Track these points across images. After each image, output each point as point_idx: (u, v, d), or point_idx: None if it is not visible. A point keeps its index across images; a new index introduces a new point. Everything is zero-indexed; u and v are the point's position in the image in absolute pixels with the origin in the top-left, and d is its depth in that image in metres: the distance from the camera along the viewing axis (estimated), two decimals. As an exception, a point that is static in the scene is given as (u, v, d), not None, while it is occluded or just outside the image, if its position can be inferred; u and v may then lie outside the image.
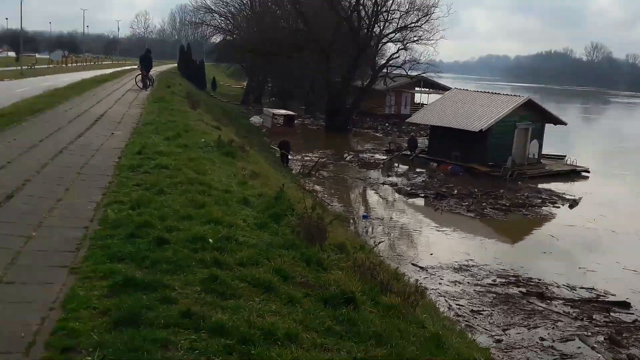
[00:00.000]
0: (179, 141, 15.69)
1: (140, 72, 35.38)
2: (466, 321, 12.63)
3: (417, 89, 59.76)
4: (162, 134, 16.84)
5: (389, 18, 49.28)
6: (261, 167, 16.59)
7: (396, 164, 34.10)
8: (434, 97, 48.41)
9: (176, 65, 74.63)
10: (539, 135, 34.29)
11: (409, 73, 51.05)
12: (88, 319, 5.41)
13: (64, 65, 78.67)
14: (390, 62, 50.26)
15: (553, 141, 37.49)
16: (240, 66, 72.94)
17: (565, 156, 36.39)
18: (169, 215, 8.56)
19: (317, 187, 25.83)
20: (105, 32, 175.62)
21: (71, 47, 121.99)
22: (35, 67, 64.00)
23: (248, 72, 70.04)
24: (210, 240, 7.67)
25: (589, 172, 33.54)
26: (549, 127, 35.34)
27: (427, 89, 58.77)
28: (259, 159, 20.75)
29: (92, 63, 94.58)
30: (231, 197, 10.48)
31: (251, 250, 7.67)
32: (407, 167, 33.54)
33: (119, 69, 70.84)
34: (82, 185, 10.38)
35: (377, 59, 52.46)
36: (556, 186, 29.58)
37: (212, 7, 61.63)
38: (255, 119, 50.66)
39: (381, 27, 49.97)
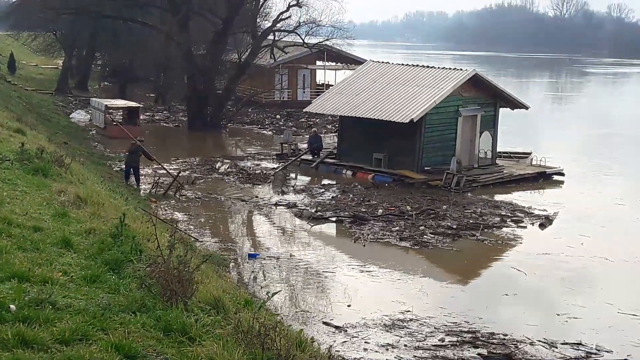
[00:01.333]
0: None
1: None
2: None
3: (319, 63, 60.74)
4: None
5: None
6: (90, 189, 16.22)
7: (292, 174, 34.35)
8: (344, 74, 49.13)
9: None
10: (491, 125, 35.56)
11: (306, 41, 51.70)
12: None
13: None
14: (279, 24, 50.66)
15: (512, 133, 38.91)
16: (53, 35, 71.05)
17: (530, 153, 37.93)
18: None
19: (178, 215, 25.51)
20: None
21: None
22: None
23: (65, 44, 68.39)
24: (11, 306, 7.53)
25: (563, 174, 35.12)
26: (504, 113, 36.76)
27: (334, 63, 59.83)
28: (87, 177, 20.30)
29: None
30: (44, 237, 10.31)
31: (78, 318, 7.56)
32: (309, 178, 33.83)
33: None
34: None
35: (259, 20, 52.78)
36: (520, 196, 30.83)
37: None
38: (79, 116, 49.58)
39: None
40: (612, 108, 76.97)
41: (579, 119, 65.91)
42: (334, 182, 32.67)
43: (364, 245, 23.26)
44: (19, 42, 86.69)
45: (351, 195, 29.73)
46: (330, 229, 25.74)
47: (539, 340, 15.98)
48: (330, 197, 29.60)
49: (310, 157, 36.37)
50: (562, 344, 15.88)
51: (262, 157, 38.86)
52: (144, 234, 12.04)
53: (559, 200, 30.27)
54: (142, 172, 30.38)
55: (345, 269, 21.30)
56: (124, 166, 30.87)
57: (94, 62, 71.54)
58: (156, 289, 8.62)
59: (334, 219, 26.32)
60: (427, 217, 26.39)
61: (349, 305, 17.89)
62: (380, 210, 27.12)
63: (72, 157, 22.19)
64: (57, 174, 16.31)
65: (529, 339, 16.04)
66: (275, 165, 35.89)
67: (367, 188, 31.13)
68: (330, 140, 39.78)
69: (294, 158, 36.65)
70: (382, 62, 39.47)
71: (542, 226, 26.25)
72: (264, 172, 34.34)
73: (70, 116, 50.10)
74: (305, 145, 38.10)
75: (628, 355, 15.35)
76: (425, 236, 24.15)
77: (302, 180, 33.56)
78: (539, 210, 28.18)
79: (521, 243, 24.48)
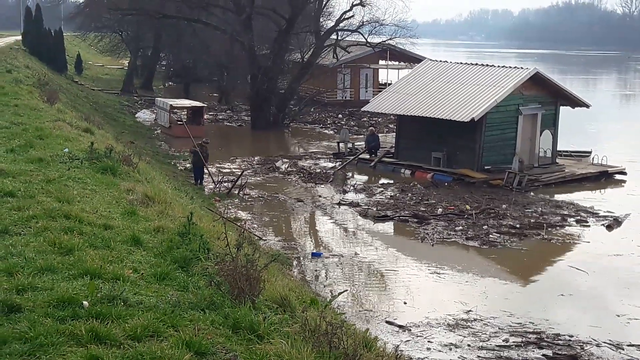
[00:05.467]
0: (30, 154, 15.43)
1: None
2: (470, 403, 12.74)
3: (382, 62, 60.51)
4: (4, 143, 16.51)
5: (336, -40, 49.86)
6: (157, 188, 16.40)
7: (350, 174, 34.33)
8: (407, 73, 48.93)
9: (20, 38, 73.26)
10: (552, 124, 35.13)
11: (369, 40, 51.56)
12: None
13: None
14: (342, 24, 50.62)
15: (572, 132, 38.35)
16: (119, 36, 72.07)
17: (590, 152, 37.47)
18: (20, 268, 8.38)
19: (243, 214, 25.68)
20: None
21: None
22: None
23: (130, 44, 69.30)
24: (84, 303, 7.58)
25: (625, 173, 34.52)
26: (565, 112, 36.20)
27: (397, 62, 59.61)
28: (153, 176, 20.54)
29: None
30: (114, 235, 10.38)
31: (148, 315, 7.61)
32: (367, 177, 33.82)
33: None
34: None
35: (322, 20, 52.86)
36: (583, 196, 30.41)
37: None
38: (145, 115, 50.26)
39: (326, -27, 50.51)
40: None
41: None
42: (392, 181, 32.48)
43: (432, 245, 23.16)
44: (85, 43, 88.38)
45: (410, 195, 29.62)
46: (393, 228, 25.68)
47: (605, 342, 15.80)
48: (389, 196, 29.50)
49: (367, 156, 36.28)
50: (628, 345, 15.68)
51: (319, 155, 38.89)
52: (211, 233, 12.14)
53: (623, 201, 29.75)
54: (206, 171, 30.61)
55: (408, 268, 21.26)
56: (189, 166, 31.23)
57: (158, 62, 72.37)
58: (224, 287, 8.67)
59: (397, 218, 26.25)
60: (488, 216, 26.21)
61: (404, 302, 17.93)
62: (439, 210, 27.00)
63: (138, 156, 22.46)
64: (125, 172, 16.50)
65: (594, 340, 15.87)
66: (332, 164, 35.92)
67: (426, 187, 30.97)
68: (389, 140, 39.53)
69: (351, 157, 36.63)
70: (440, 61, 39.23)
71: (610, 228, 25.81)
72: (324, 171, 34.37)
73: (136, 115, 50.82)
74: (363, 145, 38.05)
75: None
76: (491, 235, 24.00)
77: (361, 179, 33.48)
78: (603, 210, 27.67)
79: (587, 242, 24.14)
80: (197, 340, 7.18)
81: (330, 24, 52.27)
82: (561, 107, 35.66)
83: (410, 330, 16.06)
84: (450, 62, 38.60)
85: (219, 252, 9.73)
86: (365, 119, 49.94)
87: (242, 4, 47.16)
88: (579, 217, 26.80)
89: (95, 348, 6.66)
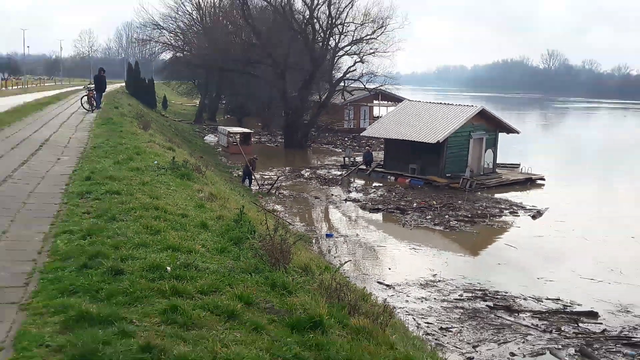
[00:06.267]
0: (130, 165, 15.46)
1: (86, 94, 34.82)
2: (436, 339, 12.70)
3: (375, 102, 60.49)
4: (112, 157, 16.57)
5: (344, 31, 49.82)
6: (219, 189, 16.45)
7: (352, 180, 34.30)
8: (392, 109, 48.93)
9: (124, 84, 73.69)
10: (493, 145, 35.01)
11: (366, 86, 51.62)
12: (41, 358, 5.25)
13: (3, 88, 76.85)
14: (347, 75, 50.64)
15: (507, 150, 38.38)
16: (192, 83, 72.46)
17: (519, 164, 37.25)
18: (123, 244, 8.39)
19: (278, 207, 25.74)
20: (47, 52, 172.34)
21: (11, 69, 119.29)
22: (-28, 90, 62.32)
23: (201, 89, 69.67)
24: (168, 268, 7.56)
25: (544, 179, 34.40)
26: (502, 136, 36.09)
27: (386, 102, 59.51)
28: (216, 180, 20.60)
29: (35, 85, 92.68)
30: (188, 221, 10.36)
31: (212, 276, 7.59)
32: (364, 181, 33.76)
33: (63, 90, 69.52)
34: (28, 216, 10.10)
35: (333, 72, 52.86)
36: (514, 195, 30.24)
37: (160, 23, 61.14)
38: (210, 138, 50.37)
39: (336, 40, 50.52)
40: (586, 134, 74.92)
41: (560, 141, 64.48)
42: (382, 185, 32.51)
43: (410, 229, 23.13)
44: (169, 88, 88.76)
45: (394, 194, 29.63)
46: (382, 217, 25.64)
47: (530, 296, 15.81)
48: (379, 195, 29.52)
49: (364, 167, 36.24)
50: (545, 299, 15.67)
51: (331, 167, 38.89)
52: (256, 220, 12.15)
53: (542, 199, 29.57)
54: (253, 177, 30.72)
55: (392, 245, 21.25)
56: (240, 173, 31.32)
57: (220, 101, 72.64)
58: (265, 257, 8.68)
59: (385, 210, 26.24)
60: (448, 209, 26.16)
61: (389, 268, 17.90)
62: (414, 204, 26.99)
63: (205, 166, 22.50)
64: (196, 178, 16.51)
65: (522, 295, 15.89)
66: (340, 173, 35.86)
67: (405, 189, 31.01)
68: (380, 156, 39.52)
69: (353, 168, 36.64)
70: (416, 101, 39.29)
71: (534, 217, 25.70)
72: (335, 177, 34.38)
73: (204, 138, 50.96)
74: (361, 158, 38.09)
75: (592, 307, 15.05)
76: (451, 222, 23.97)
77: (359, 183, 33.44)
78: (529, 205, 27.54)
79: (518, 227, 24.03)
80: (246, 294, 7.18)
81: (339, 75, 52.21)
82: (500, 133, 35.57)
83: (394, 288, 16.07)
84: (423, 102, 38.75)
85: (261, 233, 9.75)
86: (363, 141, 49.85)
87: (278, 62, 47.30)
88: (511, 210, 26.75)
89: (175, 299, 6.66)
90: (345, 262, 16.15)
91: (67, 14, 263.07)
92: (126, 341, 5.57)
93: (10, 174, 13.74)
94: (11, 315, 6.19)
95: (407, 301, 15.08)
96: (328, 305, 7.39)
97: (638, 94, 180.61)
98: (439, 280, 16.84)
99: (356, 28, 49.47)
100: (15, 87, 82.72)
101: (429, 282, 16.70)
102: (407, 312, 14.15)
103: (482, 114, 34.49)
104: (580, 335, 13.35)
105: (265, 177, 32.81)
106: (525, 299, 15.58)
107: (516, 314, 14.43)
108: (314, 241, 20.40)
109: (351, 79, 50.74)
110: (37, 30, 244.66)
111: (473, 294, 15.75)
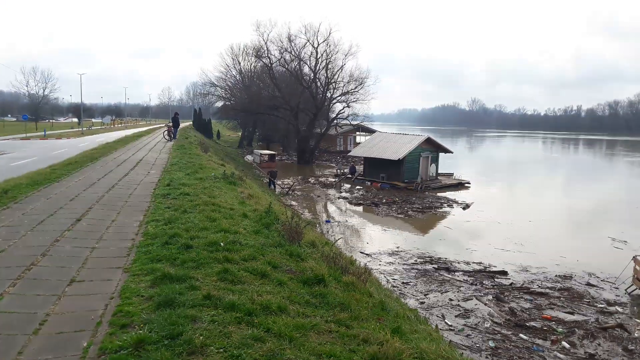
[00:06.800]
0: (196, 175, 15.50)
1: (166, 129, 34.89)
2: (399, 290, 12.64)
3: (357, 133, 60.30)
4: (184, 171, 16.62)
5: (336, 86, 49.86)
6: (254, 191, 16.43)
7: (342, 184, 34.22)
8: (368, 137, 48.82)
9: (191, 123, 73.72)
10: (435, 161, 34.77)
11: (351, 122, 51.57)
12: (138, 304, 5.27)
13: (112, 126, 77.00)
14: (339, 115, 50.61)
15: (445, 164, 38.26)
16: (237, 121, 72.51)
17: (453, 174, 37.03)
18: (192, 228, 8.42)
19: (294, 203, 25.69)
20: (140, 101, 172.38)
21: (117, 113, 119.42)
22: (92, 128, 62.51)
23: (242, 125, 69.77)
24: (221, 244, 7.57)
25: (470, 183, 34.12)
26: (442, 155, 35.93)
27: (364, 133, 59.27)
28: (252, 186, 20.55)
29: (132, 124, 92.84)
30: (234, 212, 10.37)
31: (250, 249, 7.58)
32: (350, 185, 33.68)
33: (151, 127, 69.67)
34: (129, 210, 10.13)
35: (329, 113, 52.80)
36: (449, 194, 30.03)
37: (215, 82, 62.02)
38: (249, 158, 50.26)
39: (331, 93, 50.36)
40: (497, 153, 74.77)
41: (480, 157, 64.23)
42: (361, 187, 32.26)
43: (382, 217, 23.03)
44: (221, 125, 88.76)
45: (370, 193, 29.41)
46: (362, 209, 25.56)
47: (462, 261, 15.69)
48: (360, 194, 29.34)
49: (350, 176, 36.05)
50: (472, 262, 15.56)
51: (328, 175, 38.76)
52: (279, 211, 12.11)
53: (469, 196, 29.33)
54: (276, 183, 30.65)
55: (369, 227, 21.13)
56: (267, 181, 31.28)
57: (255, 133, 72.66)
58: (286, 236, 8.65)
59: (364, 204, 26.13)
60: (406, 203, 26.03)
61: (367, 243, 17.82)
62: (384, 200, 26.85)
63: (245, 176, 22.50)
64: (240, 184, 16.51)
65: (456, 260, 15.76)
66: (334, 180, 35.73)
67: (377, 190, 30.75)
68: (360, 168, 39.37)
69: (342, 176, 36.42)
70: (382, 132, 39.24)
71: (464, 208, 25.56)
72: (331, 182, 34.23)
73: (245, 158, 50.82)
74: (348, 170, 37.94)
75: (503, 268, 14.95)
76: (409, 212, 23.84)
77: (346, 186, 33.26)
78: (461, 200, 27.42)
79: (453, 215, 23.90)
80: (273, 260, 7.18)
81: (333, 115, 52.09)
82: (440, 153, 35.32)
83: (371, 256, 15.98)
84: (389, 133, 38.60)
85: (283, 220, 9.73)
86: (349, 159, 49.62)
87: (292, 107, 47.31)
88: (448, 204, 26.51)
89: (226, 264, 6.66)
90: (338, 239, 16.08)
91: (153, 77, 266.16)
92: (194, 292, 5.59)
93: (116, 182, 13.78)
94: (118, 275, 6.21)
95: (379, 265, 15.01)
96: (327, 268, 7.36)
97: (532, 126, 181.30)
98: (401, 251, 16.76)
99: (344, 84, 49.50)
100: (120, 124, 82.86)
101: (394, 252, 16.63)
102: (380, 272, 14.09)
103: (428, 140, 34.27)
104: (495, 287, 13.30)
105: (285, 183, 32.73)
106: (458, 262, 15.49)
107: (453, 273, 14.36)
108: (317, 225, 20.35)
109: (341, 118, 50.64)
110: (134, 87, 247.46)
111: (424, 260, 15.68)
